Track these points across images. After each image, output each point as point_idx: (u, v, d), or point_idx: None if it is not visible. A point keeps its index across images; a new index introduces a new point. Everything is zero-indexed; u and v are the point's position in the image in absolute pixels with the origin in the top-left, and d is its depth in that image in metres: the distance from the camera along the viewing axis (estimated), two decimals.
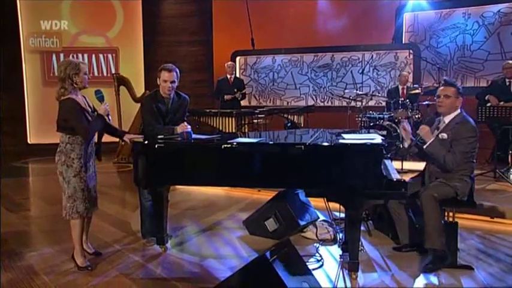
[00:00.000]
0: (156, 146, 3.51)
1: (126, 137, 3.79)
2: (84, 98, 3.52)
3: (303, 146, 3.24)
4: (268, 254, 2.68)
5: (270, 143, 3.73)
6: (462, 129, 3.40)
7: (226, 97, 7.60)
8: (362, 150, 3.20)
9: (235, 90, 7.67)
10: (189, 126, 3.75)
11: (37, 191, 6.79)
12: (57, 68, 3.43)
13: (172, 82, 3.83)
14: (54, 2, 9.56)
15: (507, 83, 6.35)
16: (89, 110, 3.48)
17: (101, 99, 3.55)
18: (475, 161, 3.50)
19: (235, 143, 3.44)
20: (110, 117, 3.63)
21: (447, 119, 3.54)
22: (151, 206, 3.93)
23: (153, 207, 3.75)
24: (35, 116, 9.64)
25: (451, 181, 3.40)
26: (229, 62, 8.11)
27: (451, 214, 3.45)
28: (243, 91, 7.81)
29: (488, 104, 5.88)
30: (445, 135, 3.47)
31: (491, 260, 3.56)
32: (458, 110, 3.53)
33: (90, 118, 3.44)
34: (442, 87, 3.56)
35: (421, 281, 3.22)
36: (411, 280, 3.22)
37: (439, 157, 3.40)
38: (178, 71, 3.90)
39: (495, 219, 4.47)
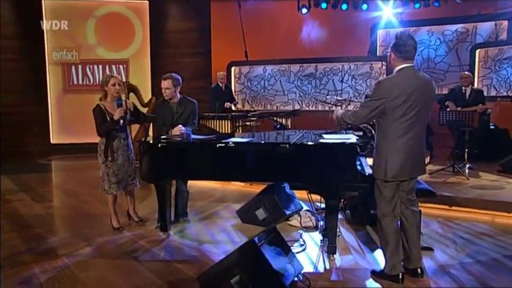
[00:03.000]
0: (159, 145, 3.50)
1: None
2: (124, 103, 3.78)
3: (287, 145, 3.25)
4: (256, 239, 2.69)
5: (260, 142, 3.73)
6: None
7: (227, 105, 7.78)
8: (339, 148, 3.21)
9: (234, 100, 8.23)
10: (183, 129, 3.75)
11: (58, 184, 6.74)
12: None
13: (167, 88, 3.86)
14: (78, 22, 9.42)
15: (463, 91, 6.38)
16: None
17: (119, 105, 3.77)
18: None
19: (229, 143, 3.43)
20: (128, 116, 3.85)
21: None
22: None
23: (158, 198, 3.73)
24: (57, 119, 9.58)
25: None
26: (221, 72, 8.19)
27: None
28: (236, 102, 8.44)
29: (448, 109, 5.92)
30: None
31: (448, 242, 3.60)
32: None
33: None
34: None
35: None
36: (382, 261, 3.23)
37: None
38: (176, 77, 3.91)
39: (453, 208, 4.50)
